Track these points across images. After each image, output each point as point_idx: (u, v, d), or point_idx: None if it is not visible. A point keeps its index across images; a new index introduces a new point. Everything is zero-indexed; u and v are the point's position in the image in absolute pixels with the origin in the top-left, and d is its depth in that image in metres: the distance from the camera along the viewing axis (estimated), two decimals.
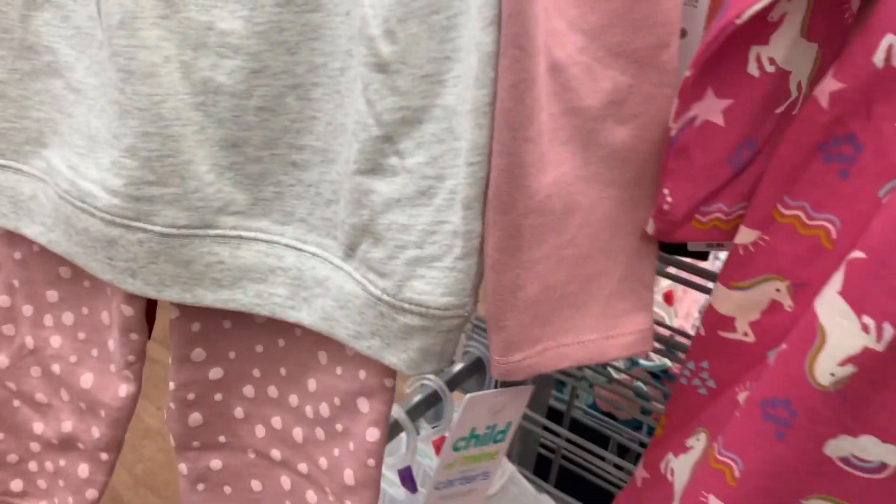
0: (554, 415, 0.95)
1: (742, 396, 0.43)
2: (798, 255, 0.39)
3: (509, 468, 0.86)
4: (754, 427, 0.39)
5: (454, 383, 0.78)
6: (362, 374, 0.46)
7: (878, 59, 0.35)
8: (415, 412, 0.70)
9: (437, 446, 0.83)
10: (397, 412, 0.63)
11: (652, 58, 0.39)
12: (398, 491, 0.81)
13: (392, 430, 0.66)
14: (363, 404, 0.47)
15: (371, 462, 0.47)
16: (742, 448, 0.40)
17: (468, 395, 0.49)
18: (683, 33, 0.41)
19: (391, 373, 0.45)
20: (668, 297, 0.98)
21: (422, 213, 0.39)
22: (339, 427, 0.48)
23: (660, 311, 0.98)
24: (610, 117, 0.39)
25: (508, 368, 0.40)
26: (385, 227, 0.40)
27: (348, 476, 0.48)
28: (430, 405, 0.73)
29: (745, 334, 0.42)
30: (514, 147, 0.36)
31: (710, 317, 0.43)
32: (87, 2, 0.44)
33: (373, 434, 0.46)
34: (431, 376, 0.69)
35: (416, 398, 0.71)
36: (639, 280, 0.44)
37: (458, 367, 0.80)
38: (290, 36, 0.41)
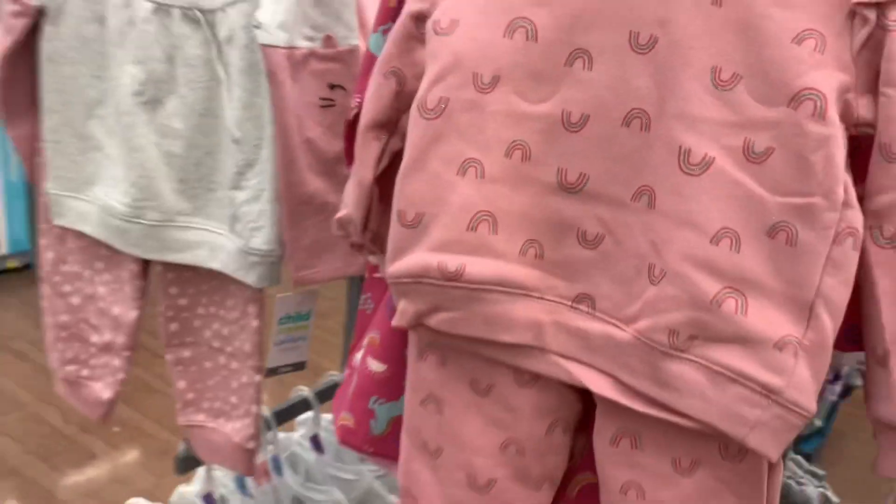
0: None
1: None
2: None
3: None
4: (384, 313, 0.80)
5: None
6: (247, 292, 0.92)
7: None
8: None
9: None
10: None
11: None
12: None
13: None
14: (249, 308, 0.92)
15: (256, 338, 0.93)
16: (380, 330, 0.81)
17: (279, 296, 0.94)
18: None
19: (258, 290, 0.91)
20: None
21: (255, 206, 0.85)
22: (241, 323, 0.94)
23: None
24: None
25: (299, 279, 0.86)
26: (241, 214, 0.86)
27: (248, 347, 0.94)
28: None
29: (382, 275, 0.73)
30: (287, 174, 0.82)
31: (369, 266, 0.87)
32: (114, 113, 0.92)
33: (255, 323, 0.92)
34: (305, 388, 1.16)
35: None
36: None
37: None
38: (205, 130, 0.87)
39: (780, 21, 0.56)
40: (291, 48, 0.79)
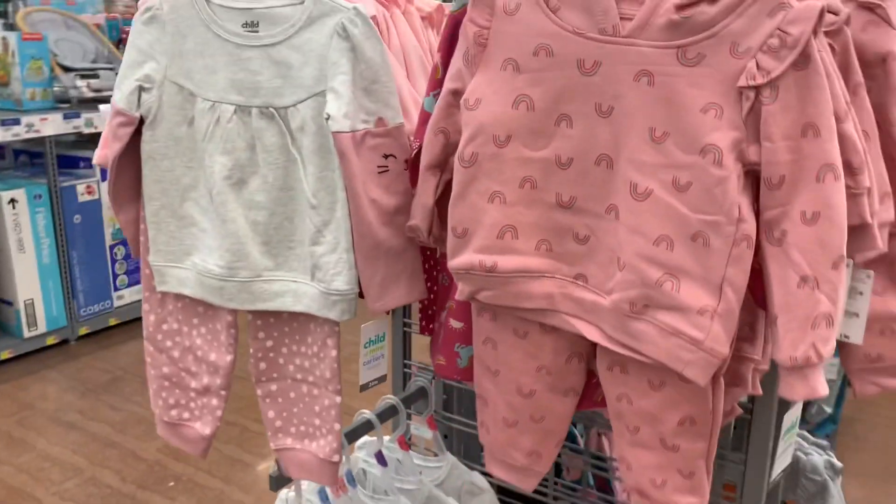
0: None
1: None
2: None
3: (451, 458, 1.50)
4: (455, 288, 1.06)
5: (408, 403, 1.48)
6: (325, 327, 1.12)
7: None
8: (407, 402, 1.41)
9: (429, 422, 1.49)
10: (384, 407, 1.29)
11: None
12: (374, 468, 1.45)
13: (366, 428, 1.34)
14: (328, 342, 1.12)
15: (335, 366, 1.13)
16: (454, 299, 1.08)
17: (363, 325, 1.14)
18: None
19: (337, 324, 1.11)
20: None
21: (333, 256, 1.06)
22: (321, 355, 1.14)
23: None
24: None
25: (375, 309, 1.07)
26: (322, 264, 1.07)
27: (329, 374, 1.14)
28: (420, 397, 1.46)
29: None
30: (359, 228, 1.04)
31: (442, 253, 1.09)
32: (206, 196, 1.13)
33: (334, 353, 1.12)
34: (391, 397, 1.36)
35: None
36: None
37: (411, 391, 1.48)
38: (283, 201, 1.09)
39: (692, 97, 0.85)
40: (354, 131, 1.01)
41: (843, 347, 1.21)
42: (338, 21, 1.00)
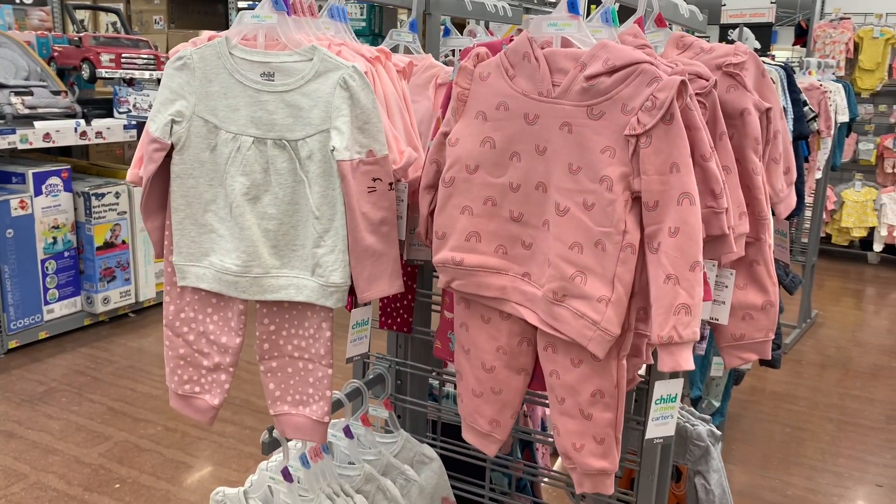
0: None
1: None
2: None
3: (404, 434, 1.80)
4: None
5: (367, 388, 1.77)
6: (321, 313, 1.40)
7: None
8: (367, 387, 1.70)
9: (386, 403, 1.77)
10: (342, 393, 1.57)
11: None
12: (342, 440, 1.72)
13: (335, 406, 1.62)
14: (323, 325, 1.41)
15: (329, 345, 1.41)
16: (448, 295, 1.40)
17: (353, 310, 1.43)
18: None
19: (331, 310, 1.40)
20: None
21: (331, 257, 1.35)
22: (317, 335, 1.42)
23: None
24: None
25: (362, 299, 1.36)
26: (322, 262, 1.36)
27: (323, 351, 1.42)
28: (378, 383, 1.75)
29: None
30: (352, 234, 1.33)
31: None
32: (224, 208, 1.40)
33: (328, 333, 1.41)
34: (355, 381, 1.65)
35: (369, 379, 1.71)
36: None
37: (369, 378, 1.76)
38: (291, 213, 1.37)
39: (596, 141, 1.17)
40: (352, 160, 1.31)
41: (715, 329, 1.58)
42: (340, 76, 1.30)
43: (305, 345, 1.44)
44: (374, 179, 1.34)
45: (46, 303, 4.02)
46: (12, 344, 3.85)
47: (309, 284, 1.38)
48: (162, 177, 1.40)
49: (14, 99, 3.80)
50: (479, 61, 1.28)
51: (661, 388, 1.34)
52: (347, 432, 1.70)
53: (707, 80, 1.29)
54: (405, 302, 1.80)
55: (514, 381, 1.37)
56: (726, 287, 1.47)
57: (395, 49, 1.82)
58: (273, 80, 1.34)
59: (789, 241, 2.46)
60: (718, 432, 1.95)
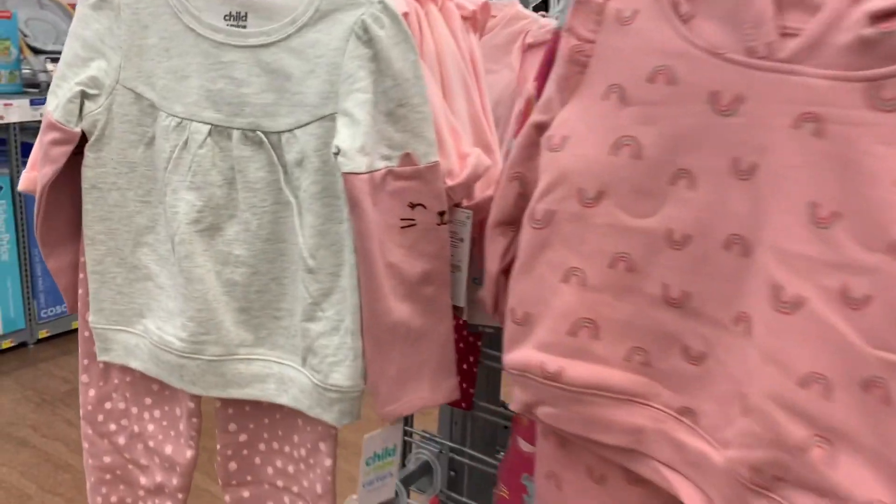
0: None
1: None
2: None
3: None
4: None
5: (409, 481, 1.21)
6: (319, 428, 0.84)
7: None
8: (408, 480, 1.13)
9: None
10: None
11: None
12: None
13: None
14: (321, 446, 0.84)
15: (328, 479, 0.84)
16: None
17: (366, 436, 0.86)
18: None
19: (333, 427, 0.83)
20: None
21: (333, 339, 0.77)
22: (311, 461, 0.86)
23: None
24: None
25: (385, 414, 0.78)
26: (317, 348, 0.78)
27: (318, 489, 0.86)
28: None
29: None
30: (371, 303, 0.75)
31: None
32: (166, 242, 0.84)
33: (328, 462, 0.84)
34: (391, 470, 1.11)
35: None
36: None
37: (411, 468, 1.21)
38: (270, 257, 0.80)
39: (884, 159, 0.56)
40: (372, 171, 0.72)
41: None
42: (357, 18, 0.72)
43: (294, 471, 0.88)
44: (413, 206, 0.76)
45: None
46: (42, 333, 3.55)
47: (298, 379, 0.81)
48: (70, 188, 0.85)
49: (50, 66, 3.46)
50: None
51: None
52: None
53: None
54: (465, 365, 1.23)
55: None
56: None
57: None
58: (245, 27, 0.76)
59: None
60: None
